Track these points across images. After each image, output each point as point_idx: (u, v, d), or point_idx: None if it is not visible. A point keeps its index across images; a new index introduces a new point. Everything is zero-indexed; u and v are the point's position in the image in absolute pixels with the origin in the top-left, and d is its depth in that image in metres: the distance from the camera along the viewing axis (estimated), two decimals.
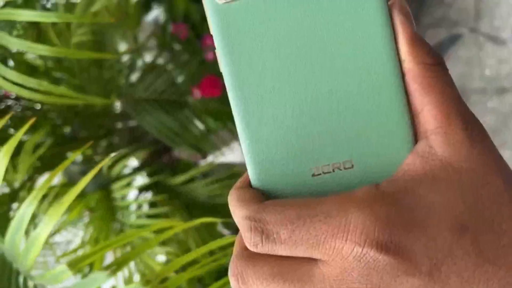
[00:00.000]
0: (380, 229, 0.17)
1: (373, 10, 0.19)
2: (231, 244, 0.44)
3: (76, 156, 0.44)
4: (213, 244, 0.36)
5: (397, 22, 0.20)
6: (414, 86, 0.19)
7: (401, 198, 0.18)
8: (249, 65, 0.20)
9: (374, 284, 0.17)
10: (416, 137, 0.20)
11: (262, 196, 0.20)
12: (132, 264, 0.63)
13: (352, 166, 0.20)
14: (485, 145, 0.18)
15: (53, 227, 0.76)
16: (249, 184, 0.21)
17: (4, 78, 0.44)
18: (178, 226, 0.44)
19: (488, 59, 0.79)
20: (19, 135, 0.37)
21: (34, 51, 0.43)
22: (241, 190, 0.20)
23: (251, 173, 0.21)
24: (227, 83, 0.20)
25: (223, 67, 0.20)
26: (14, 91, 0.43)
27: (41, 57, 0.74)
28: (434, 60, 0.19)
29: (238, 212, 0.20)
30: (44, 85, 0.44)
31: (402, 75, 0.20)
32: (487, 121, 0.81)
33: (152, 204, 0.80)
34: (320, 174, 0.20)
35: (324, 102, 0.20)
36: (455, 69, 0.81)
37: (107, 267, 0.38)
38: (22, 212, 0.36)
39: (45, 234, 0.34)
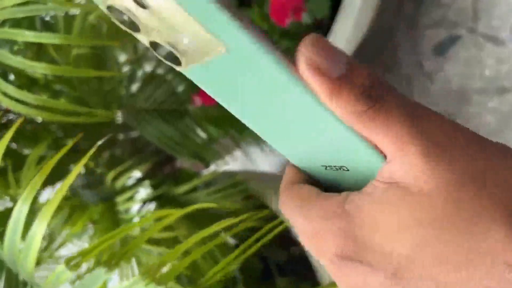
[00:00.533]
0: (340, 241, 0.19)
1: (280, 81, 0.18)
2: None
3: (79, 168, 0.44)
4: (206, 231, 0.37)
5: (308, 82, 0.17)
6: (358, 131, 0.19)
7: (357, 215, 0.19)
8: (241, 107, 0.22)
9: (352, 282, 0.19)
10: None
11: (298, 174, 0.24)
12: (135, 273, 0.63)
13: (348, 170, 0.23)
14: (447, 160, 0.18)
15: (57, 240, 0.75)
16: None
17: (3, 93, 0.44)
18: (175, 214, 0.44)
19: (488, 59, 0.79)
20: (6, 139, 0.37)
21: (34, 69, 0.43)
22: (287, 169, 0.25)
23: (294, 162, 0.26)
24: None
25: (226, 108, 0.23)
26: (11, 106, 0.43)
27: None
28: (368, 102, 0.18)
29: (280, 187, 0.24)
30: (42, 99, 0.44)
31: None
32: (488, 121, 0.80)
33: (157, 211, 0.79)
34: (329, 170, 0.24)
35: (305, 135, 0.22)
36: (454, 70, 0.81)
37: (104, 262, 0.38)
38: (17, 212, 0.36)
39: (40, 232, 0.34)
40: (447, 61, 0.81)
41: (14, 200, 0.60)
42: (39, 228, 0.35)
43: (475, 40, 0.79)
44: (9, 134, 0.37)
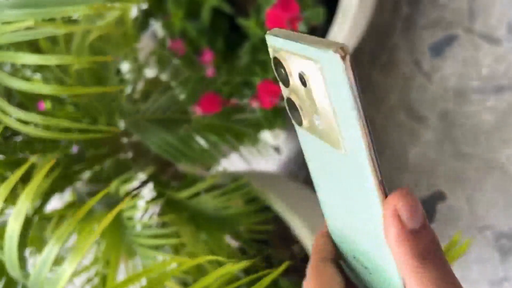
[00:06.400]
0: None
1: (366, 195, 0.22)
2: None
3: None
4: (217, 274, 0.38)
5: (385, 220, 0.21)
6: (399, 271, 0.22)
7: None
8: (317, 173, 0.26)
9: None
10: None
11: (328, 248, 0.28)
12: None
13: (371, 273, 0.25)
14: None
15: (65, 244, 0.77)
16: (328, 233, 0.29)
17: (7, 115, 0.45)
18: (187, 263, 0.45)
19: (485, 59, 0.80)
20: (37, 180, 0.39)
21: (36, 90, 0.44)
22: (319, 239, 0.28)
23: (329, 230, 0.29)
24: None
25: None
26: (16, 127, 0.45)
27: (45, 80, 0.76)
28: (416, 263, 0.21)
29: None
30: (47, 119, 0.45)
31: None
32: (486, 119, 0.81)
33: (161, 220, 0.81)
34: (357, 261, 0.26)
35: (352, 226, 0.25)
36: (452, 69, 0.82)
37: None
38: (48, 251, 0.37)
39: (67, 274, 0.36)
40: (445, 60, 0.82)
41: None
42: (65, 272, 0.37)
43: (472, 39, 0.80)
44: (39, 177, 0.39)
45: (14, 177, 0.43)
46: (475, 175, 0.85)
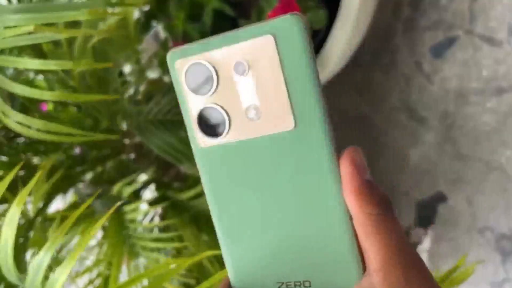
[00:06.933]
0: None
1: (321, 162, 0.22)
2: None
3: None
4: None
5: (344, 174, 0.22)
6: (359, 230, 0.22)
7: None
8: (227, 198, 0.24)
9: None
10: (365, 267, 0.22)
11: None
12: None
13: (310, 286, 0.23)
14: (421, 285, 0.21)
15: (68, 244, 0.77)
16: (229, 286, 0.25)
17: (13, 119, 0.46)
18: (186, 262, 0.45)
19: (485, 60, 0.80)
20: (28, 187, 0.39)
21: (38, 96, 0.45)
22: None
23: (230, 278, 0.25)
24: (211, 211, 0.24)
25: (207, 198, 0.24)
26: (18, 130, 0.45)
27: (47, 82, 0.76)
28: (377, 210, 0.21)
29: None
30: (48, 125, 0.46)
31: (351, 218, 0.22)
32: (486, 121, 0.82)
33: (163, 221, 0.82)
34: (286, 287, 0.24)
35: (288, 232, 0.23)
36: (452, 71, 0.82)
37: None
38: (41, 256, 0.38)
39: (63, 277, 0.36)
40: (445, 62, 0.82)
41: (25, 215, 0.62)
42: (61, 276, 0.37)
43: (473, 41, 0.80)
44: (30, 185, 0.39)
45: (7, 178, 0.43)
46: (476, 176, 0.85)
